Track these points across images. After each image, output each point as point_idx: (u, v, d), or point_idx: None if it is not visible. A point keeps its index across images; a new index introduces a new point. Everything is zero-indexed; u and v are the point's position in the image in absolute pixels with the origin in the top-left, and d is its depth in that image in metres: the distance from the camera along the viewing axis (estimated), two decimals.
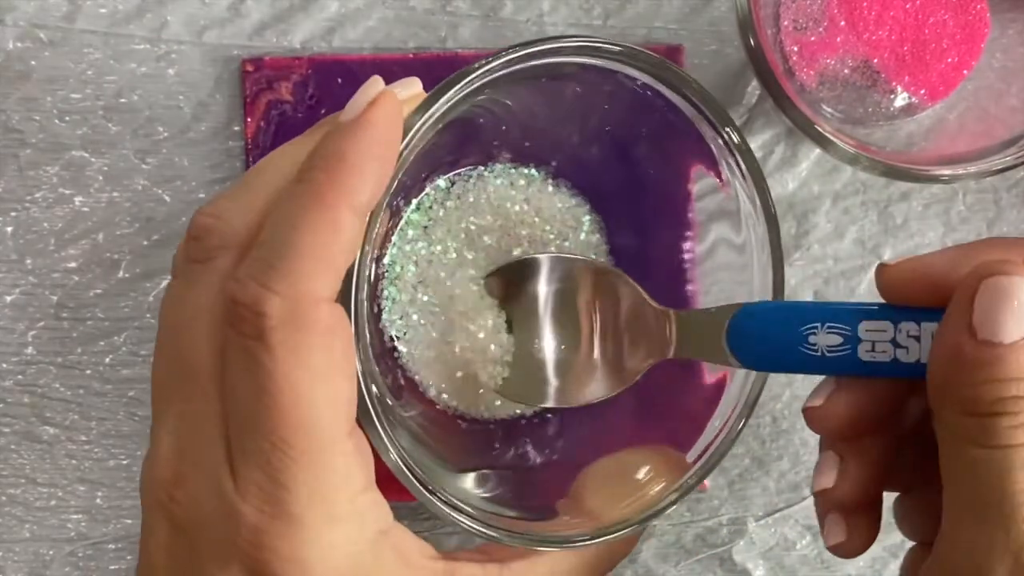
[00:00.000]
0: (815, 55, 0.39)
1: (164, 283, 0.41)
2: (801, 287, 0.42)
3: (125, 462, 0.41)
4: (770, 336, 0.29)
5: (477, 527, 0.31)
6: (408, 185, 0.38)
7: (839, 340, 0.28)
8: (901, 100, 0.40)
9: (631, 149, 0.37)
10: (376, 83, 0.29)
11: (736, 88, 0.41)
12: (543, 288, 0.35)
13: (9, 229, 0.41)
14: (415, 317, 0.38)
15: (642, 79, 0.32)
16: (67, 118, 0.41)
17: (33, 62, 0.40)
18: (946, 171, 0.35)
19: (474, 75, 0.30)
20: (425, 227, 0.39)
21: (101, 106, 0.41)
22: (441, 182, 0.39)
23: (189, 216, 0.41)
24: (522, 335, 0.36)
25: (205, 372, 0.27)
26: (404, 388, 0.38)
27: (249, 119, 0.40)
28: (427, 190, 0.39)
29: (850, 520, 0.30)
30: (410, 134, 0.30)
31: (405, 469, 0.30)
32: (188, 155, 0.41)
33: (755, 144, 0.42)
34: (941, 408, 0.26)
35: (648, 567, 0.42)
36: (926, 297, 0.27)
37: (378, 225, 0.30)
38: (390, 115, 0.28)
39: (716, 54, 0.41)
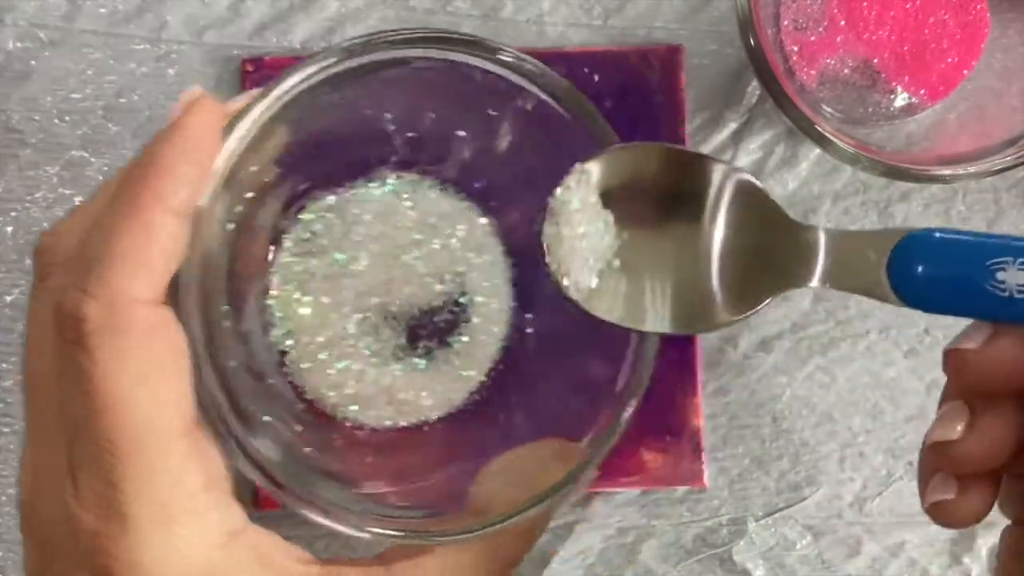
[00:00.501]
0: (815, 55, 0.39)
1: None
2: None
3: None
4: (946, 269, 0.26)
5: (346, 528, 0.30)
6: (286, 200, 0.38)
7: None
8: (901, 100, 0.40)
9: (504, 143, 0.37)
10: (193, 91, 0.29)
11: (736, 88, 0.41)
12: (656, 187, 0.30)
13: (9, 229, 0.41)
14: (301, 330, 0.38)
15: (477, 64, 0.32)
16: (67, 118, 0.41)
17: (33, 62, 0.40)
18: (946, 171, 0.35)
19: (300, 72, 0.31)
20: (307, 239, 0.38)
21: (101, 106, 0.41)
22: (323, 196, 0.38)
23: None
24: (624, 241, 0.30)
25: (50, 386, 0.28)
26: (293, 400, 0.38)
27: None
28: (308, 205, 0.38)
29: (963, 484, 0.26)
30: (240, 129, 0.30)
31: (262, 477, 0.30)
32: None
33: (755, 144, 0.42)
34: None
35: (648, 567, 0.42)
36: None
37: (220, 229, 0.31)
38: (202, 120, 0.29)
39: (716, 54, 0.41)
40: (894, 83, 0.39)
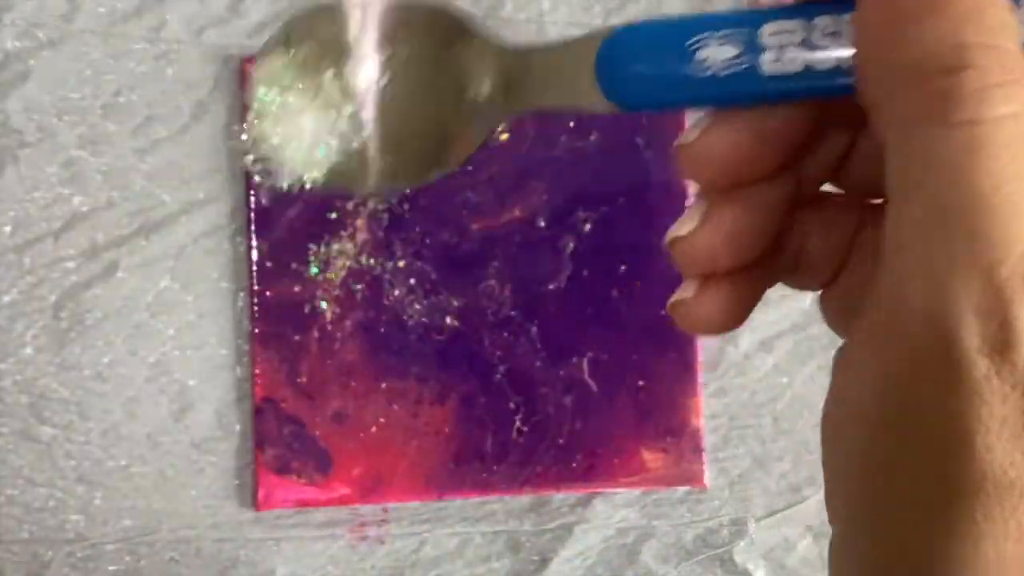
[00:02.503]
0: None
1: (163, 283, 0.41)
2: None
3: (124, 463, 0.41)
4: (650, 61, 0.23)
5: None
6: None
7: (735, 51, 0.22)
8: None
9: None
10: None
11: None
12: (343, 43, 0.26)
13: (8, 228, 0.41)
14: None
15: None
16: (65, 117, 0.40)
17: (32, 61, 0.40)
18: None
19: None
20: None
21: (100, 105, 0.40)
22: None
23: (189, 216, 0.41)
24: (354, 103, 0.26)
25: None
26: None
27: None
28: None
29: (703, 284, 0.24)
30: None
31: None
32: (187, 155, 0.41)
33: None
34: (878, 90, 0.19)
35: (648, 568, 0.42)
36: None
37: None
38: None
39: None
40: None
